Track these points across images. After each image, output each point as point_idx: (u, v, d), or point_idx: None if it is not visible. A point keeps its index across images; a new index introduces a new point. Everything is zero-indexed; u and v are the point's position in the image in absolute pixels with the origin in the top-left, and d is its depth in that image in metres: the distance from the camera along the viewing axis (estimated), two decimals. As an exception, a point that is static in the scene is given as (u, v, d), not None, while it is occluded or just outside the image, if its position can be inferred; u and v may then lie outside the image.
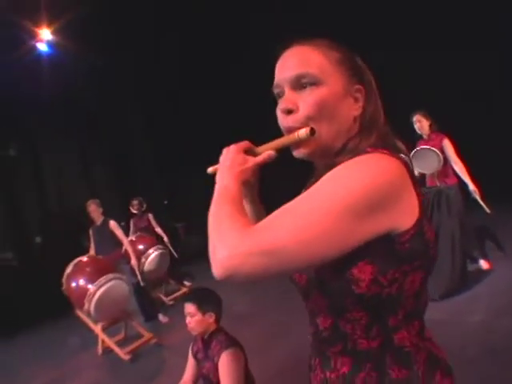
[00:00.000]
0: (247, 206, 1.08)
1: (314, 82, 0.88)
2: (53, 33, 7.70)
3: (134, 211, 6.82)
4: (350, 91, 0.91)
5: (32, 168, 10.58)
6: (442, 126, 4.42)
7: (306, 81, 0.88)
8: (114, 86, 9.74)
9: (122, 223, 5.83)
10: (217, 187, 0.91)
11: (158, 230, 6.82)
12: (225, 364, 2.30)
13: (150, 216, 6.87)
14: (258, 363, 2.67)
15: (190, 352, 2.64)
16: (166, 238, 6.77)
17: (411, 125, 4.43)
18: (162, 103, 10.27)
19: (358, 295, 0.80)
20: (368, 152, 0.83)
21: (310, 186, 1.04)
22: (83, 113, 9.89)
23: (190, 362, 2.64)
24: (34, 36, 7.68)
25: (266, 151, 0.95)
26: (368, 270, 0.78)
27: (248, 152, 0.96)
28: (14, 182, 10.23)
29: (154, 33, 8.34)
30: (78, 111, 9.79)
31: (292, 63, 0.91)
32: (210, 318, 2.45)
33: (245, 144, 0.97)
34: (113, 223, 5.62)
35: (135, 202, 6.82)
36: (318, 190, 0.78)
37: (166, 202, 11.55)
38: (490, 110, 7.17)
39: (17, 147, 10.31)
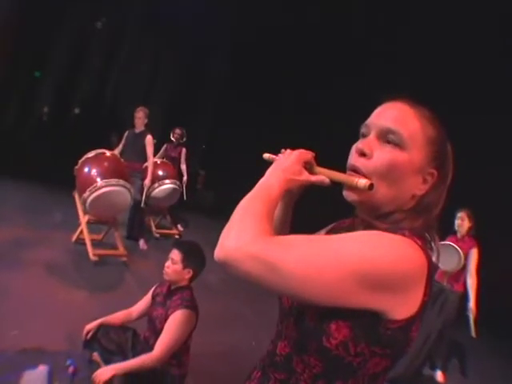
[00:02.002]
0: (278, 209, 1.15)
1: (399, 144, 0.89)
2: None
3: (173, 139, 6.88)
4: (424, 170, 0.92)
5: (107, 47, 10.74)
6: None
7: (393, 138, 0.89)
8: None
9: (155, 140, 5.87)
10: (262, 180, 0.94)
11: (183, 167, 6.88)
12: (176, 320, 2.34)
13: (184, 150, 6.93)
14: (208, 337, 2.70)
15: (152, 290, 2.68)
16: (185, 178, 6.82)
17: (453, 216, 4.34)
18: (255, 60, 10.20)
19: (324, 347, 0.82)
20: (404, 234, 0.83)
21: (341, 228, 1.07)
22: (179, 26, 9.91)
23: (146, 299, 2.69)
24: None
25: (323, 176, 0.97)
26: (344, 332, 0.80)
27: (306, 165, 0.99)
28: (85, 52, 10.43)
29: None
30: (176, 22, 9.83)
31: (390, 116, 0.92)
32: (188, 273, 2.48)
33: (308, 155, 0.99)
34: (149, 137, 5.68)
35: (178, 131, 6.87)
36: (344, 242, 0.80)
37: (203, 147, 11.60)
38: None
39: (104, 23, 10.48)
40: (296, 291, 0.77)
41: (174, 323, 2.33)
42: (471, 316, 4.09)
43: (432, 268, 0.83)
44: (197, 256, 2.55)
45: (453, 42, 6.67)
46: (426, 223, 0.92)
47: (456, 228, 4.30)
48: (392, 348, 0.82)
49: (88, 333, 2.55)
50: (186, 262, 2.46)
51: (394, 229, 0.85)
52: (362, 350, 0.81)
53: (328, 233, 1.14)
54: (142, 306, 2.69)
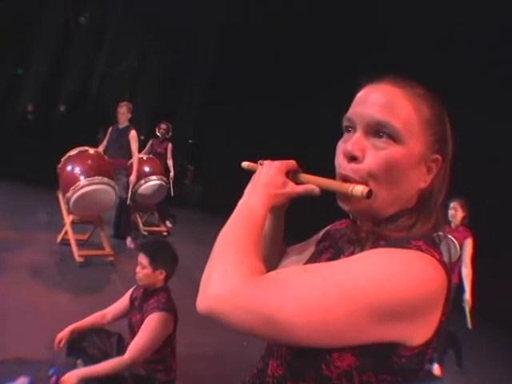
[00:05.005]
0: (268, 222, 0.99)
1: (393, 137, 0.75)
2: None
3: (158, 134, 6.74)
4: (426, 159, 0.78)
5: (91, 43, 10.56)
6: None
7: (385, 131, 0.75)
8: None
9: (142, 136, 5.73)
10: (242, 201, 0.81)
11: (170, 162, 6.74)
12: (150, 322, 2.23)
13: (170, 146, 6.79)
14: (196, 339, 2.59)
15: (129, 293, 2.56)
16: (172, 174, 6.69)
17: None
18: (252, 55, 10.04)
19: (324, 375, 0.69)
20: (421, 249, 0.69)
21: (338, 233, 0.96)
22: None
23: (123, 301, 2.57)
24: None
25: (311, 184, 0.83)
26: (349, 360, 0.67)
27: (290, 174, 0.85)
28: (69, 48, 10.23)
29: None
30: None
31: (375, 103, 0.77)
32: (161, 274, 2.37)
33: (290, 164, 0.86)
34: (133, 133, 5.53)
35: (163, 126, 6.74)
36: (349, 270, 0.66)
37: (190, 141, 11.46)
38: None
39: (88, 18, 10.29)
40: (298, 340, 0.64)
41: (147, 326, 2.21)
42: (467, 307, 4.02)
43: (450, 283, 0.70)
44: (165, 255, 2.42)
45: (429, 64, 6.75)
46: (437, 218, 0.79)
47: (450, 218, 4.21)
48: (404, 376, 0.69)
49: (60, 341, 2.38)
50: (155, 263, 2.33)
51: (406, 240, 0.72)
52: (369, 379, 0.67)
53: (323, 238, 1.02)
54: (118, 308, 2.55)
